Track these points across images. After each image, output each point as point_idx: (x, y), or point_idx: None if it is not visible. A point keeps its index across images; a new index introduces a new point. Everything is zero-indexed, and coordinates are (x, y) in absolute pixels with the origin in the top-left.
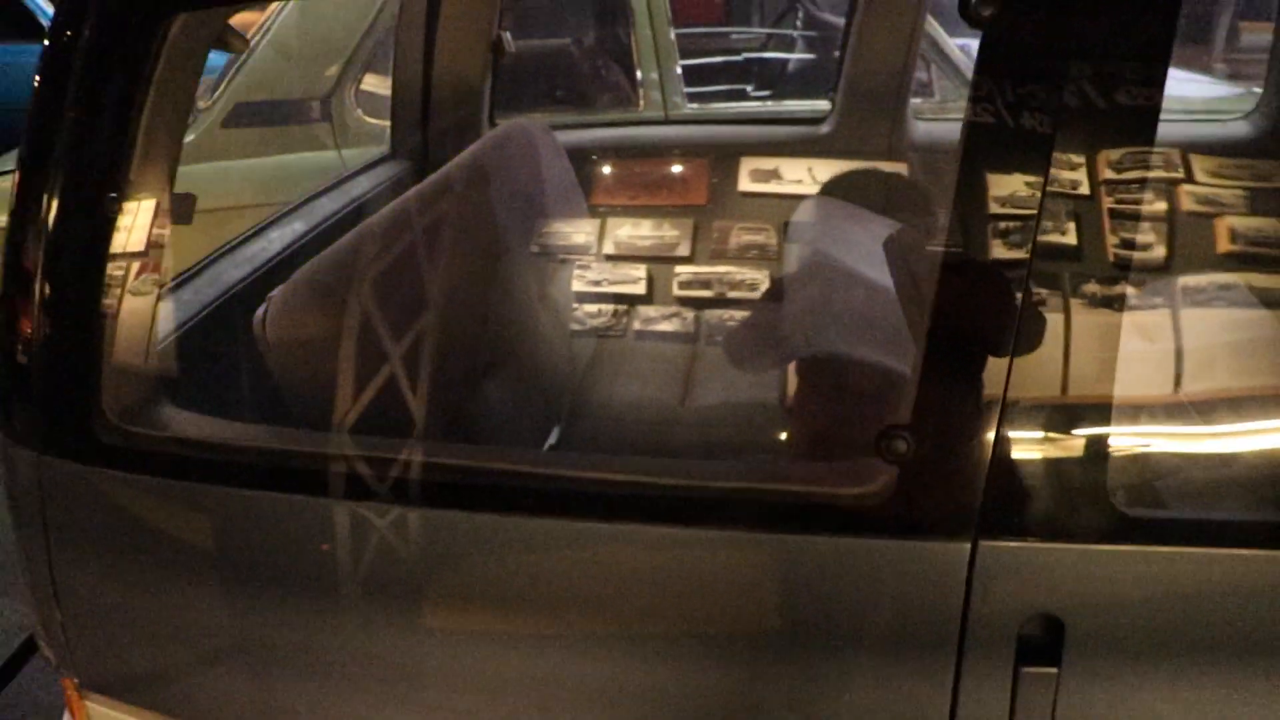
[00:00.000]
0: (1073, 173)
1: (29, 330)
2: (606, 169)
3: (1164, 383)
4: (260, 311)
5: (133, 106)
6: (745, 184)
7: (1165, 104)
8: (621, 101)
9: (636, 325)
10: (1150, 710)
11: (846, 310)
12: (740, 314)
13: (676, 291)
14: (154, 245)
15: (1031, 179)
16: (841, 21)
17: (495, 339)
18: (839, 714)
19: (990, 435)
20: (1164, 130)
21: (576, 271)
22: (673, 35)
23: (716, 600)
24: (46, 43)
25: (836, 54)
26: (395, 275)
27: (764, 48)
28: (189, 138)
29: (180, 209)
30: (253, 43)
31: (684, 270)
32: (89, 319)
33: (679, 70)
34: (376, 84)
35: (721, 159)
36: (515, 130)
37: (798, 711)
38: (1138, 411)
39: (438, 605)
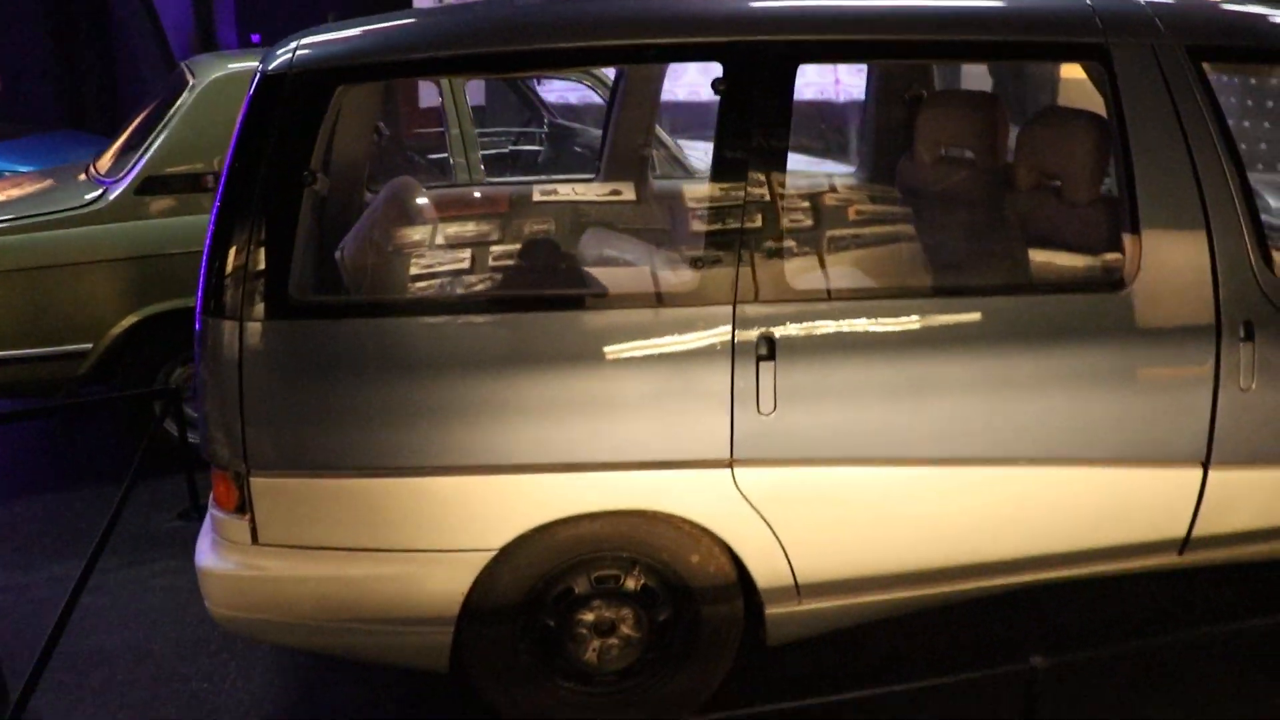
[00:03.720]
0: (758, 185)
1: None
2: (446, 197)
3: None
4: (337, 252)
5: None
6: (537, 197)
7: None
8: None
9: (460, 290)
10: (824, 375)
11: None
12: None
13: (491, 263)
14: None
15: (740, 184)
16: (574, 124)
17: None
18: (674, 389)
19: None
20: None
21: (413, 260)
22: (475, 131)
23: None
24: None
25: (577, 148)
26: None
27: (516, 143)
28: (107, 201)
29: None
30: (165, 121)
31: (496, 249)
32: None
33: (480, 155)
34: None
35: (520, 190)
36: (407, 179)
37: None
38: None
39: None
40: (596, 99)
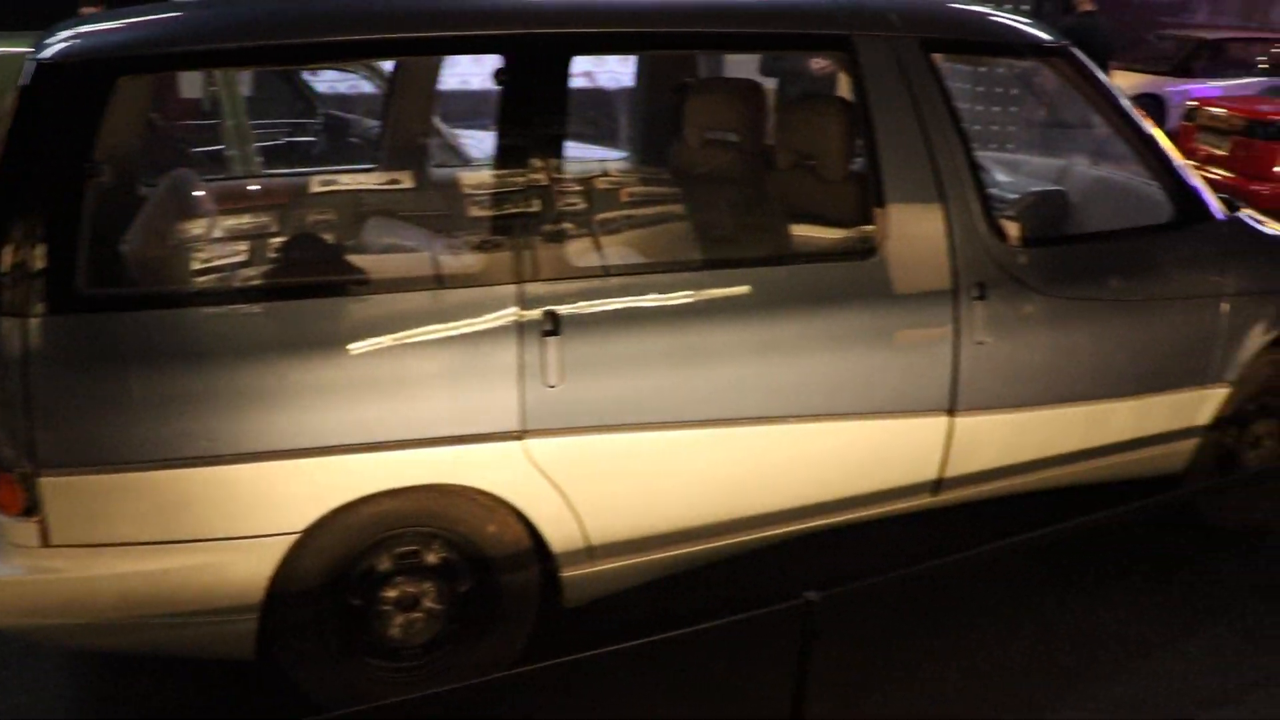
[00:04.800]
0: (538, 170)
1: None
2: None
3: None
4: (123, 245)
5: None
6: (319, 187)
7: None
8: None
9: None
10: (606, 347)
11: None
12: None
13: (279, 253)
14: None
15: (521, 170)
16: (346, 114)
17: None
18: (466, 366)
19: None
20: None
21: (201, 251)
22: (250, 123)
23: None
24: None
25: (351, 139)
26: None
27: (290, 134)
28: None
29: None
30: None
31: (283, 238)
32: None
33: (255, 147)
34: None
35: (300, 181)
36: (185, 171)
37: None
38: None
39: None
40: (367, 88)
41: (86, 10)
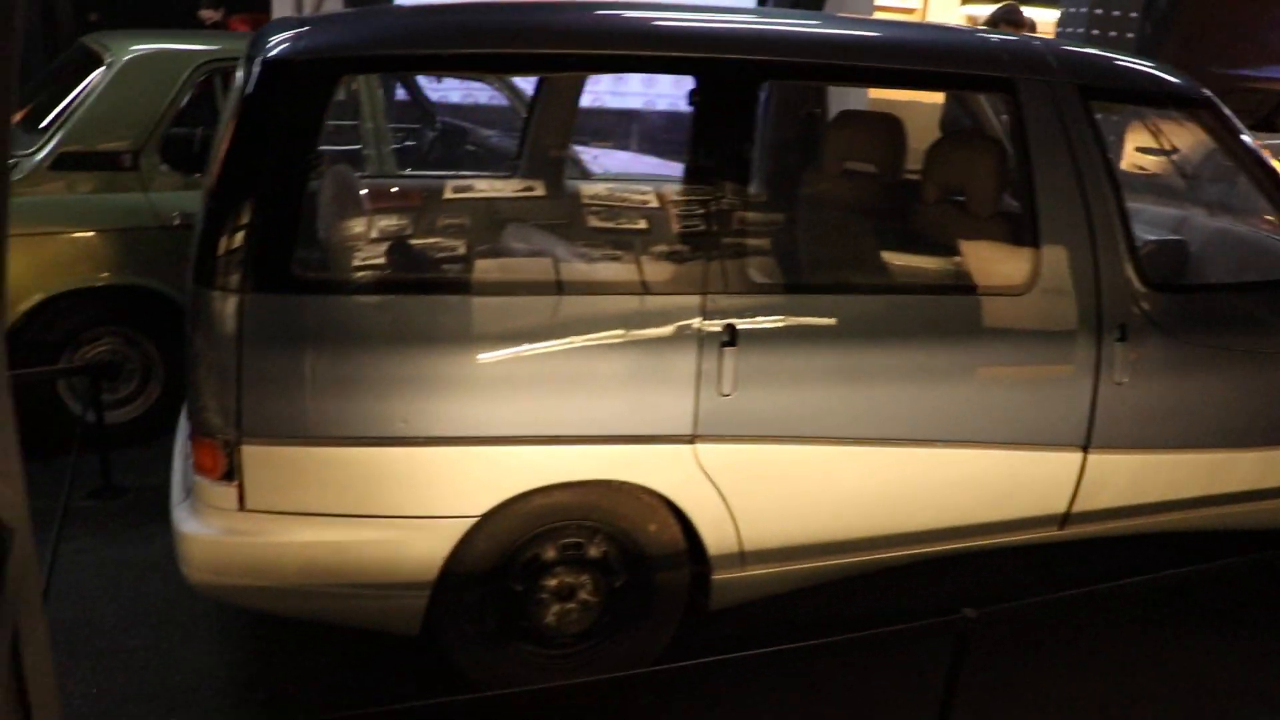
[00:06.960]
0: (721, 191)
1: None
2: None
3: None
4: (321, 232)
5: None
6: (448, 194)
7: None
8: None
9: (455, 272)
10: (776, 361)
11: None
12: None
13: (480, 247)
14: None
15: (710, 189)
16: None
17: None
18: (647, 369)
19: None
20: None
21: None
22: (388, 125)
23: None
24: None
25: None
26: None
27: (433, 138)
28: (21, 173)
29: None
30: (80, 96)
31: (484, 232)
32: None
33: (392, 149)
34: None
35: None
36: (344, 166)
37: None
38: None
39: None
40: (482, 99)
41: (206, 14)
